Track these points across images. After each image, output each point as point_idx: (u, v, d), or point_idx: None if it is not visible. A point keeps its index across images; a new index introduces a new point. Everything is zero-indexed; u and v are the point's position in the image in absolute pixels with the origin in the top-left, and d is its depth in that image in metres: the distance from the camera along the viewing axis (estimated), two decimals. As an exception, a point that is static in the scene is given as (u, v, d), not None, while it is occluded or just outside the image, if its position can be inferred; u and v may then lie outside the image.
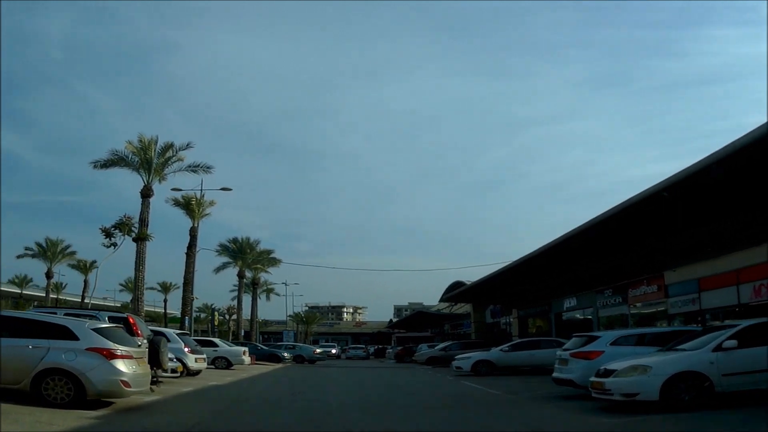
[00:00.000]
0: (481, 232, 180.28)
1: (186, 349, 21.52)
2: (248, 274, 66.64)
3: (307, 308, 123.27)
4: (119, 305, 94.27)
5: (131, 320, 15.49)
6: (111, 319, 15.31)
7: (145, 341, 15.16)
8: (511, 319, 47.77)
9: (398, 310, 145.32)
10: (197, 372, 22.74)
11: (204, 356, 23.02)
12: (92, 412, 11.24)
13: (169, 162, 38.96)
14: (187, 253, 44.01)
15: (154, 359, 15.13)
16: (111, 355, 11.64)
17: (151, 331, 18.11)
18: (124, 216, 30.21)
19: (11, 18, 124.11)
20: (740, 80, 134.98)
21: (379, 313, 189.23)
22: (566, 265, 28.39)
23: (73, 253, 65.97)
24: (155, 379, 15.31)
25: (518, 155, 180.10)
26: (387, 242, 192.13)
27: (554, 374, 16.66)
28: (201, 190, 43.85)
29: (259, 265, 65.27)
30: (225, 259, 63.01)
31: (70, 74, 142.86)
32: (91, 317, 14.33)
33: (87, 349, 11.54)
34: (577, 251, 24.96)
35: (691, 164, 14.70)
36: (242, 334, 62.32)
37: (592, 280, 30.64)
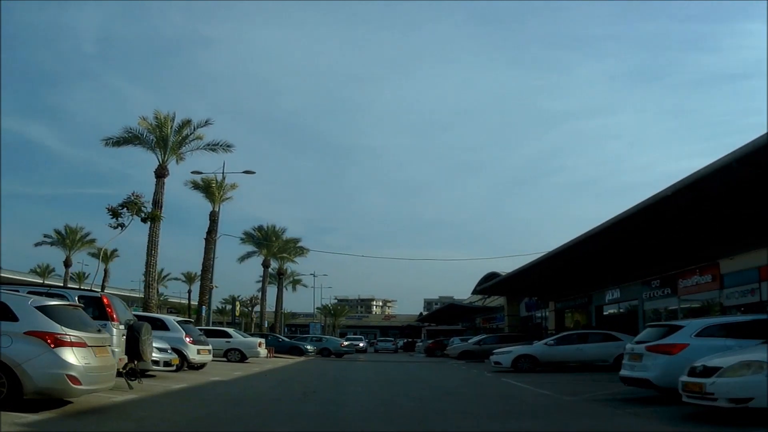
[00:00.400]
0: (513, 228, 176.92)
1: (187, 339, 18.70)
2: (274, 264, 64.11)
3: (336, 301, 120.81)
4: (142, 296, 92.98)
5: (105, 300, 12.61)
6: (81, 299, 12.43)
7: (121, 327, 12.31)
8: (547, 313, 45.12)
9: (428, 303, 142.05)
10: (201, 365, 19.95)
11: (209, 348, 20.15)
12: (30, 416, 8.49)
13: (187, 140, 36.45)
14: (206, 239, 41.52)
15: (133, 349, 12.29)
16: (57, 342, 8.83)
17: (137, 316, 15.19)
18: (133, 194, 27.49)
19: (45, 13, 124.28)
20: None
21: (408, 306, 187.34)
22: (609, 254, 25.74)
23: (92, 241, 63.97)
24: (135, 373, 12.47)
25: (552, 149, 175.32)
26: (418, 236, 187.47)
27: (623, 372, 13.47)
28: (222, 173, 41.52)
29: (284, 254, 62.59)
30: (250, 248, 60.58)
31: (103, 69, 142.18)
32: (57, 296, 11.42)
33: (26, 333, 8.76)
34: (622, 239, 22.59)
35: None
36: (266, 325, 59.69)
37: (637, 271, 28.34)
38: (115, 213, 28.62)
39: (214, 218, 41.80)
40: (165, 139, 35.50)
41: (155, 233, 33.70)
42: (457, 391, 16.82)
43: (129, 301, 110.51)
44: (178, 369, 18.33)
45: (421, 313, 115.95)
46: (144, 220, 29.54)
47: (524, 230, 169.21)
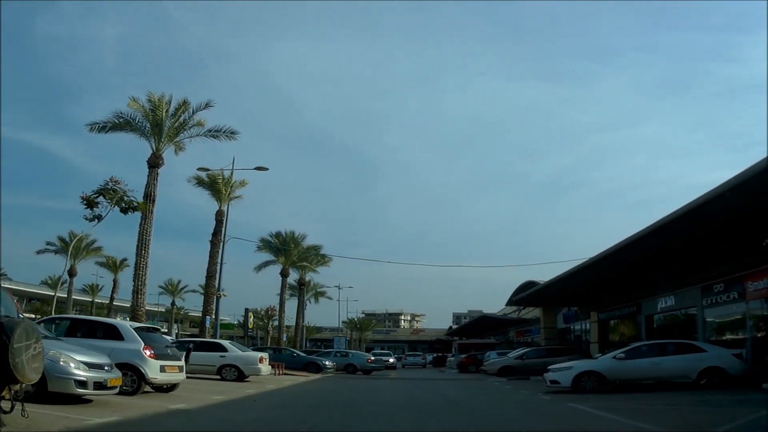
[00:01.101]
0: (541, 241, 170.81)
1: (146, 353, 13.60)
2: (294, 274, 59.32)
3: (363, 315, 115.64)
4: (162, 309, 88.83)
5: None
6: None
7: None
8: (589, 324, 40.30)
9: (457, 317, 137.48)
10: (170, 387, 14.93)
11: (179, 364, 14.98)
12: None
13: (186, 126, 31.77)
14: (211, 241, 36.86)
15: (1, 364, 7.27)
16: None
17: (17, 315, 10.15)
18: (111, 179, 22.83)
19: (66, 26, 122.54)
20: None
21: (437, 320, 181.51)
22: (662, 256, 23.35)
23: (99, 249, 59.52)
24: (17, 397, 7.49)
25: (580, 161, 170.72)
26: (446, 249, 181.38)
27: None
28: (232, 168, 36.79)
29: (305, 263, 57.48)
30: (269, 256, 55.71)
31: (124, 82, 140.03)
32: None
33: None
34: (678, 239, 20.59)
35: None
36: (285, 339, 54.63)
37: (694, 274, 24.58)
38: (90, 203, 24.02)
39: (220, 218, 37.13)
40: (159, 123, 30.91)
41: (146, 230, 28.99)
42: (518, 426, 11.51)
43: (152, 316, 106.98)
44: (135, 391, 13.37)
45: (450, 327, 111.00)
46: (124, 211, 24.85)
47: (552, 244, 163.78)
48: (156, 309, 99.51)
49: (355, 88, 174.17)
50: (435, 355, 73.58)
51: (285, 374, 29.04)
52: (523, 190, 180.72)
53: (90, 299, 74.69)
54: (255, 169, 36.45)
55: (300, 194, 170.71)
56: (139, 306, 28.79)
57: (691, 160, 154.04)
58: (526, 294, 43.72)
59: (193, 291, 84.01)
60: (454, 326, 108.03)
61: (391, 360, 55.37)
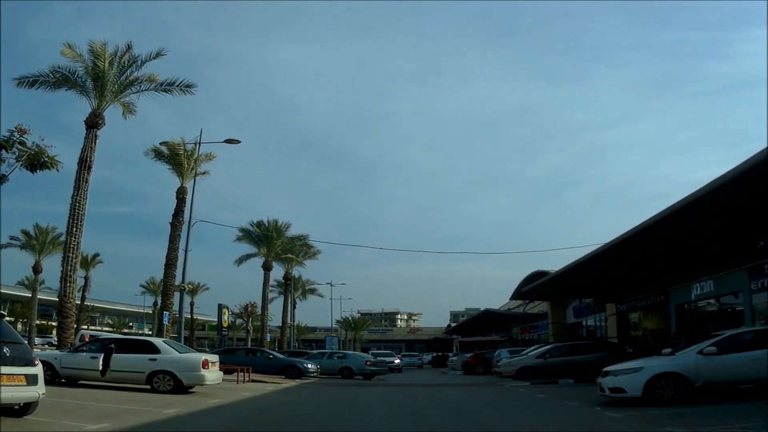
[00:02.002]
0: (538, 238, 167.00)
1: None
2: (280, 268, 53.17)
3: (358, 315, 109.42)
4: (149, 311, 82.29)
5: None
6: None
7: None
8: (606, 317, 35.80)
9: (454, 315, 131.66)
10: (21, 409, 8.70)
11: (23, 372, 8.74)
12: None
13: (135, 82, 25.88)
14: (171, 223, 30.62)
15: None
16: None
17: None
18: (17, 128, 16.54)
19: (61, 31, 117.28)
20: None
21: (434, 319, 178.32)
22: (699, 235, 19.72)
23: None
24: None
25: (574, 161, 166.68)
26: (444, 247, 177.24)
27: None
28: (199, 143, 30.79)
29: (290, 255, 51.13)
30: (251, 249, 49.39)
31: None
32: None
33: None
34: (719, 212, 17.13)
35: None
36: (268, 339, 48.19)
37: (739, 253, 20.50)
38: (-14, 158, 17.77)
39: (182, 196, 30.87)
40: (101, 76, 24.98)
41: (79, 203, 23.18)
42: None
43: (138, 318, 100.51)
44: None
45: (449, 325, 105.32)
46: (33, 169, 18.49)
47: (547, 242, 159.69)
48: (141, 311, 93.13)
49: (351, 89, 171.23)
50: (434, 354, 67.03)
51: (253, 381, 22.78)
52: (520, 189, 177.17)
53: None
54: (225, 141, 30.44)
55: (297, 194, 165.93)
56: (68, 297, 22.61)
57: (686, 157, 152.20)
58: (536, 284, 37.85)
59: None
60: (453, 324, 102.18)
61: (396, 361, 47.07)
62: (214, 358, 16.91)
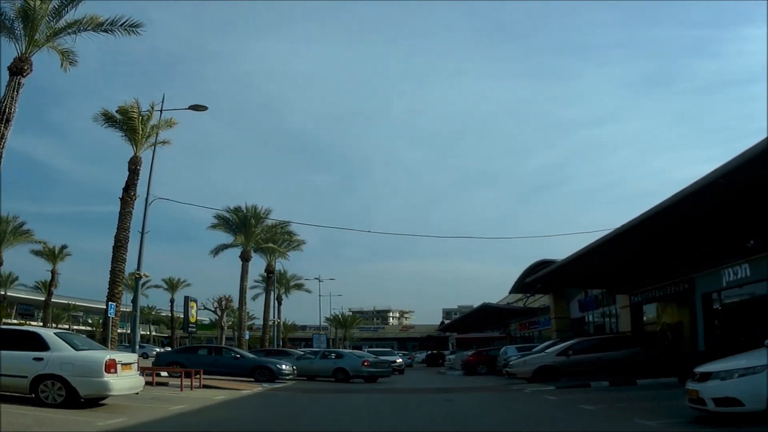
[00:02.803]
0: (531, 235, 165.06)
1: None
2: (261, 260, 47.96)
3: (350, 313, 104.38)
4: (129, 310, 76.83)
5: None
6: None
7: None
8: (617, 310, 31.95)
9: (447, 313, 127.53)
10: None
11: None
12: None
13: (74, 24, 21.06)
14: (122, 198, 25.46)
15: None
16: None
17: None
18: None
19: None
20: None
21: (427, 317, 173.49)
22: (734, 210, 16.02)
23: (28, 233, 47.45)
24: None
25: (564, 158, 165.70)
26: (435, 247, 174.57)
27: None
28: (161, 110, 26.24)
29: (271, 245, 45.92)
30: (228, 238, 44.10)
31: (107, 84, 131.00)
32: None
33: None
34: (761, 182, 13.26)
35: None
36: (246, 337, 42.92)
37: None
38: None
39: (134, 167, 25.79)
40: (30, 15, 20.07)
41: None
42: None
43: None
44: None
45: (442, 322, 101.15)
46: None
47: (537, 241, 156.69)
48: (128, 310, 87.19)
49: (339, 88, 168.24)
50: (428, 352, 61.86)
51: (205, 387, 17.69)
52: (511, 187, 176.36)
53: (42, 297, 62.92)
54: (190, 108, 25.77)
55: (287, 193, 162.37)
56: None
57: (676, 154, 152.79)
58: (542, 273, 33.27)
59: (156, 286, 72.28)
60: (446, 321, 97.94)
61: (399, 360, 40.76)
62: (129, 358, 11.85)
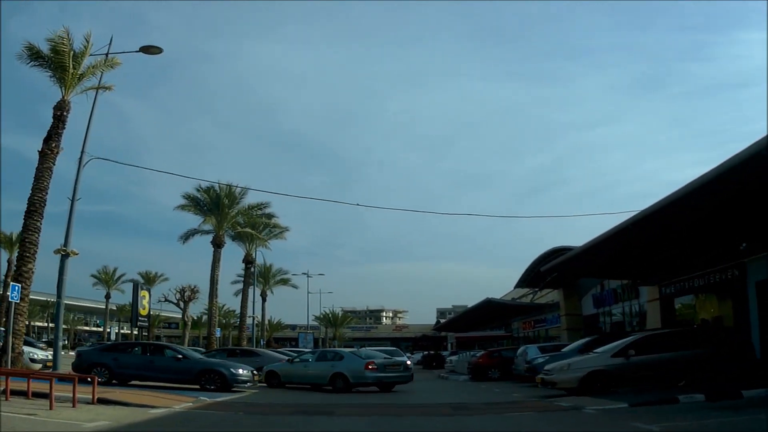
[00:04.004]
0: (526, 237, 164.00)
1: None
2: (239, 249, 41.83)
3: (341, 312, 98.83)
4: (113, 306, 70.79)
5: None
6: None
7: None
8: (642, 304, 28.37)
9: (441, 313, 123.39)
10: None
11: None
12: None
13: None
14: (41, 152, 19.50)
15: None
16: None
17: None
18: None
19: (42, 28, 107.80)
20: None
21: (420, 317, 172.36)
22: None
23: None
24: None
25: (557, 161, 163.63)
26: (429, 249, 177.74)
27: None
28: (107, 53, 21.09)
29: (249, 229, 39.75)
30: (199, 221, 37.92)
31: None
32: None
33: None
34: None
35: None
36: (218, 334, 36.63)
37: None
38: None
39: (59, 113, 19.90)
40: None
41: None
42: None
43: (92, 313, 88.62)
44: None
45: (437, 321, 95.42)
46: None
47: (529, 245, 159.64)
48: (99, 306, 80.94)
49: (334, 89, 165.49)
50: (425, 353, 55.20)
51: (101, 401, 11.47)
52: (505, 189, 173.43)
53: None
54: (141, 50, 19.95)
55: (282, 195, 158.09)
56: None
57: (669, 157, 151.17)
58: (558, 261, 28.08)
59: (131, 281, 66.09)
60: (442, 320, 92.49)
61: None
62: None
